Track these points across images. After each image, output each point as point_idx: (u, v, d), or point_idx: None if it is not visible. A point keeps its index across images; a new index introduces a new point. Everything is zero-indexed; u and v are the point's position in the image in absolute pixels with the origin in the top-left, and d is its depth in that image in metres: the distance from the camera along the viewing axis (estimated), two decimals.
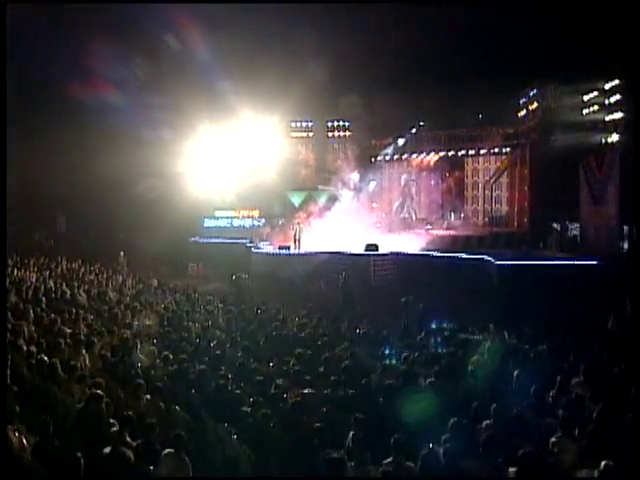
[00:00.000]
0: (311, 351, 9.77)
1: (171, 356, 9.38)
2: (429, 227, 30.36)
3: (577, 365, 9.03)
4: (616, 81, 24.43)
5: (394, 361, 9.39)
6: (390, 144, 34.89)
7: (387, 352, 9.88)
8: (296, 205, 35.37)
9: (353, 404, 7.20)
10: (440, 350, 9.77)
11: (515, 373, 7.95)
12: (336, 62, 28.89)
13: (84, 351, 9.68)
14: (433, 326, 12.71)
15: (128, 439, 6.44)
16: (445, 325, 12.55)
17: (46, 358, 8.76)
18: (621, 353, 9.81)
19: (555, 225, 26.08)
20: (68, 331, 11.00)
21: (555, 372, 8.39)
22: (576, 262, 20.30)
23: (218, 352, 9.74)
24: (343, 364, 8.74)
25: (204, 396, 7.79)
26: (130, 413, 6.73)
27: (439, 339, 10.89)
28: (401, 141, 34.30)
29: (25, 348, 9.62)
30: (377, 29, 30.15)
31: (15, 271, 22.17)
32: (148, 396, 7.71)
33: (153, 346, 10.31)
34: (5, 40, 9.07)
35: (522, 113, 29.95)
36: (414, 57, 29.41)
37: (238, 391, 7.76)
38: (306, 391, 7.49)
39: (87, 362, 9.41)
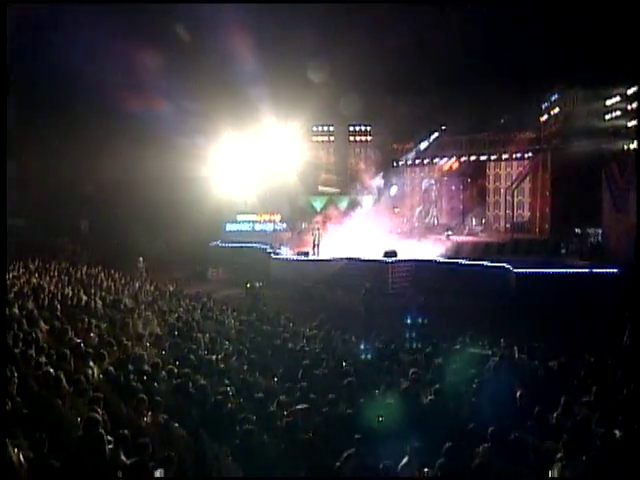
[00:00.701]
0: (316, 366, 9.69)
1: (175, 370, 9.36)
2: (450, 233, 30.13)
3: (587, 383, 8.84)
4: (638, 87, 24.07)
5: (399, 378, 9.23)
6: (412, 148, 34.79)
7: (392, 368, 9.74)
8: (317, 210, 35.35)
9: (350, 424, 7.11)
10: (446, 366, 9.61)
11: (518, 393, 7.78)
12: (358, 66, 28.86)
13: (92, 363, 9.72)
14: (443, 340, 12.54)
15: (123, 457, 6.45)
16: (456, 338, 12.34)
17: (52, 370, 8.80)
18: (634, 371, 9.50)
19: (576, 232, 25.69)
20: (78, 341, 11.07)
21: (563, 391, 8.22)
22: (596, 270, 19.98)
23: (222, 366, 9.70)
24: (346, 380, 8.65)
25: (203, 412, 7.75)
26: (125, 432, 6.72)
27: (447, 354, 10.73)
28: (423, 145, 34.18)
29: (34, 359, 9.69)
30: (400, 32, 30.05)
31: (36, 276, 22.48)
32: (150, 412, 7.71)
33: (159, 358, 10.29)
34: (5, 40, 9.09)
35: (544, 118, 29.64)
36: (436, 61, 29.28)
37: (237, 408, 7.71)
38: (300, 406, 7.39)
39: (94, 375, 9.43)
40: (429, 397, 7.95)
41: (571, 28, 24.39)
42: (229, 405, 7.72)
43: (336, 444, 6.69)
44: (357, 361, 10.37)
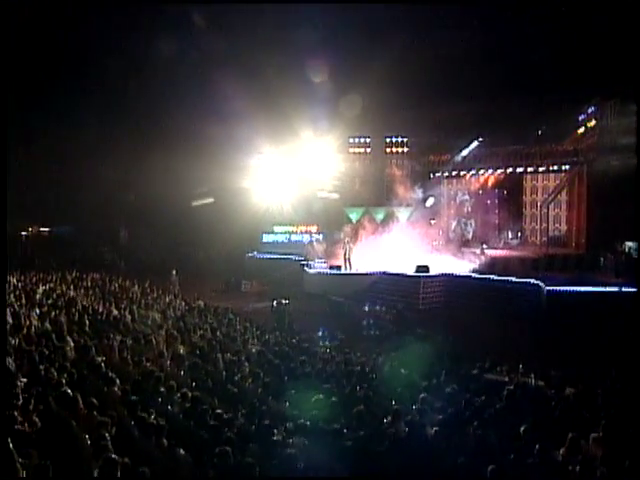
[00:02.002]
0: (330, 391, 9.63)
1: (189, 394, 9.44)
2: (485, 246, 29.72)
3: (599, 416, 8.63)
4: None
5: (411, 405, 9.17)
6: (449, 160, 34.49)
7: (404, 395, 9.68)
8: (353, 221, 35.37)
9: (350, 457, 7.11)
10: (459, 394, 9.50)
11: (523, 428, 7.61)
12: (394, 78, 28.88)
13: (110, 383, 9.88)
14: (464, 362, 12.44)
15: None
16: (476, 362, 12.21)
17: (69, 391, 8.97)
18: None
19: (613, 248, 25.11)
20: (99, 360, 11.28)
21: (574, 423, 8.06)
22: (630, 290, 19.51)
23: (236, 390, 9.76)
24: (356, 409, 8.58)
25: (210, 438, 7.80)
26: (126, 460, 6.81)
27: (463, 380, 10.61)
28: (460, 157, 33.83)
29: (56, 378, 9.89)
30: (436, 43, 29.97)
31: (71, 288, 22.97)
32: (156, 436, 7.80)
33: (177, 379, 10.41)
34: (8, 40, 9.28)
35: (581, 130, 29.14)
36: (473, 72, 29.15)
37: (243, 435, 7.75)
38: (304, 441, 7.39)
39: (110, 396, 9.58)
40: (434, 428, 7.87)
41: (609, 40, 24.04)
42: (235, 431, 7.78)
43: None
44: (371, 386, 10.30)
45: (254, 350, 13.44)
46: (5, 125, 8.87)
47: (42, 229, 45.70)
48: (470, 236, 34.22)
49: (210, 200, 36.19)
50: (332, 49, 29.51)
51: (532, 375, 10.77)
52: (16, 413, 7.61)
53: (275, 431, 7.90)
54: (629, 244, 25.07)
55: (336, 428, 7.75)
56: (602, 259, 24.75)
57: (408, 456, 7.24)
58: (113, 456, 6.88)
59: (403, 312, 20.32)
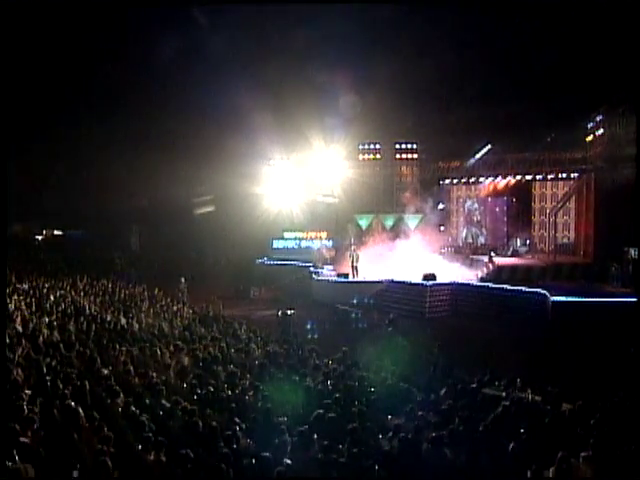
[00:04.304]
0: (326, 407, 9.64)
1: (189, 407, 9.56)
2: (493, 254, 29.63)
3: (592, 434, 8.67)
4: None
5: (407, 421, 9.24)
6: (458, 167, 34.44)
7: (400, 409, 9.76)
8: (363, 228, 35.43)
9: (343, 472, 7.22)
10: (455, 410, 9.57)
11: (511, 445, 7.69)
12: (404, 84, 29.02)
13: (113, 396, 10.04)
14: (464, 374, 12.52)
15: None
16: (476, 375, 12.26)
17: (73, 403, 9.14)
18: None
19: (620, 257, 24.98)
20: (105, 372, 11.48)
21: (566, 441, 8.12)
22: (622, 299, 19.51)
23: (233, 405, 9.89)
24: (351, 425, 8.64)
25: (206, 454, 7.93)
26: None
27: (460, 395, 10.67)
28: (469, 164, 33.78)
29: (61, 389, 10.08)
30: (448, 50, 30.08)
31: (81, 295, 23.21)
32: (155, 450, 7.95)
33: (179, 392, 10.57)
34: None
35: (590, 138, 29.06)
36: (483, 78, 29.23)
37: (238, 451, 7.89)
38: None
39: (113, 409, 9.74)
40: (427, 445, 7.96)
41: (618, 47, 24.00)
42: (230, 447, 7.92)
43: None
44: (369, 401, 10.38)
45: (257, 362, 13.57)
46: (5, 126, 9.05)
47: (56, 232, 46.17)
48: (479, 243, 34.19)
49: (221, 206, 36.48)
50: (342, 56, 29.72)
51: (529, 390, 10.80)
52: (19, 427, 7.76)
53: (270, 447, 8.04)
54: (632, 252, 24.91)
55: (329, 444, 7.85)
56: (613, 268, 24.55)
57: (400, 474, 7.35)
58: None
59: (397, 325, 20.32)
